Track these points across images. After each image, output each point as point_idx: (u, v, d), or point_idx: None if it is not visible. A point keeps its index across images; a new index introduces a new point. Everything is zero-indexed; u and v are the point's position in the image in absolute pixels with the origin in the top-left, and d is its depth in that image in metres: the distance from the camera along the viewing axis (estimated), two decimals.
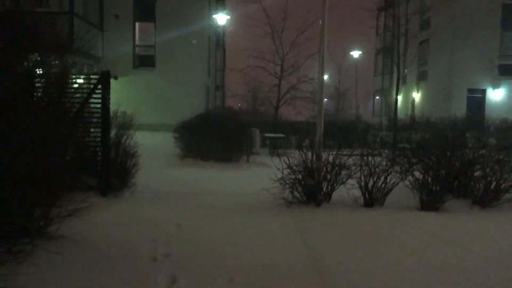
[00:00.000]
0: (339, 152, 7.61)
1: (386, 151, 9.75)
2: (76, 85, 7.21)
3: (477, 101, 25.45)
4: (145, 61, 22.50)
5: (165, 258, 4.65)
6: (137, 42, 22.69)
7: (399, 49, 14.81)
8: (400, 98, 28.58)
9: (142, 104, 20.51)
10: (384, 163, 7.51)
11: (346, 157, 7.56)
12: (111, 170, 7.33)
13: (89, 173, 7.11)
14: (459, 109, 23.97)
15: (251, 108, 34.15)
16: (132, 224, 5.87)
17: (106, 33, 21.00)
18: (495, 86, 25.53)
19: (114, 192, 7.30)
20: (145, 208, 6.84)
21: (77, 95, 7.08)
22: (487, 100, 25.59)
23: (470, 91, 25.51)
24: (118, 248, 4.82)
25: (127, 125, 7.75)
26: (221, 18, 22.19)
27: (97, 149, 7.30)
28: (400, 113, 20.12)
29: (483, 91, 25.68)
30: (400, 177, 7.54)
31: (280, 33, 20.40)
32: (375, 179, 7.35)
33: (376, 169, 7.36)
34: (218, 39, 29.09)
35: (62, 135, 5.43)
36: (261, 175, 9.69)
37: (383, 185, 7.38)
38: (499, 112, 22.51)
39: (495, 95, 25.64)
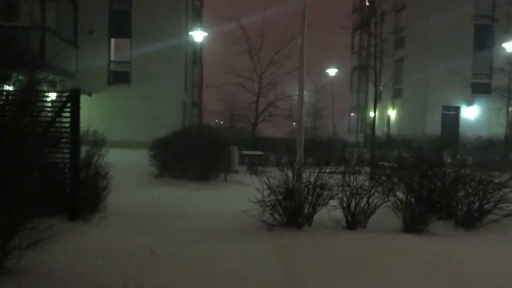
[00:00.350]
0: (320, 171, 7.36)
1: (367, 169, 9.59)
2: (43, 103, 6.79)
3: (452, 118, 25.84)
4: (120, 78, 22.06)
5: None
6: (112, 58, 22.28)
7: (377, 67, 14.79)
8: (375, 115, 28.82)
9: (117, 121, 20.15)
10: (366, 183, 7.30)
11: (327, 176, 7.30)
12: (80, 193, 6.89)
13: (56, 196, 6.65)
14: (434, 126, 24.26)
15: (228, 125, 33.88)
16: (101, 253, 5.45)
17: (80, 49, 20.53)
18: (469, 103, 25.99)
19: (83, 216, 6.86)
20: (116, 234, 6.42)
21: (45, 113, 6.66)
22: (461, 118, 26.02)
23: (445, 108, 25.92)
24: (84, 282, 4.42)
25: (98, 144, 7.34)
26: (198, 35, 21.99)
27: (66, 170, 6.86)
28: (376, 130, 20.18)
29: (457, 109, 26.12)
30: (383, 198, 7.33)
31: (258, 51, 20.31)
32: (357, 200, 7.13)
33: (359, 190, 7.14)
34: (195, 56, 28.87)
35: (25, 156, 5.03)
36: (240, 195, 9.40)
37: (365, 207, 7.16)
38: (473, 129, 22.85)
39: (469, 112, 26.08)
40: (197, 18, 29.45)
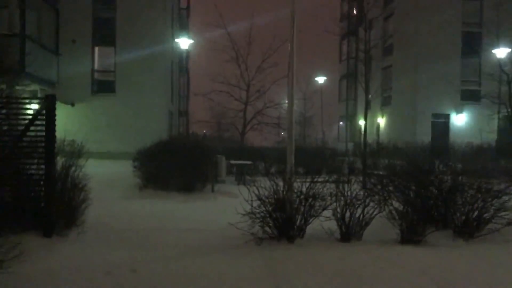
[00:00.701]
0: (311, 180, 6.98)
1: (359, 178, 9.25)
2: (16, 110, 6.35)
3: (442, 125, 25.73)
4: (104, 87, 21.54)
5: None
6: (96, 67, 21.75)
7: (367, 72, 14.58)
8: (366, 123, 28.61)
9: (101, 132, 19.64)
10: (361, 192, 6.94)
11: (319, 185, 6.91)
12: (56, 207, 6.40)
13: (30, 210, 6.18)
14: (424, 134, 24.10)
15: (216, 134, 33.43)
16: (76, 272, 4.99)
17: (63, 58, 20.01)
18: (458, 111, 25.93)
19: (59, 232, 6.37)
20: (94, 250, 5.96)
21: (19, 121, 6.22)
22: (451, 125, 25.93)
23: (434, 116, 25.81)
24: None
25: (76, 155, 6.88)
26: (184, 42, 21.62)
27: (41, 182, 6.38)
28: (367, 138, 19.98)
29: (447, 116, 26.03)
30: (378, 208, 6.97)
31: (246, 58, 20.01)
32: (352, 211, 6.76)
33: (353, 200, 6.78)
34: (181, 64, 28.45)
35: None
36: (228, 207, 9.01)
37: (360, 217, 6.79)
38: (463, 136, 22.73)
39: (458, 119, 26.01)
40: (184, 27, 29.08)
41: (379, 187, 7.48)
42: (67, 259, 5.49)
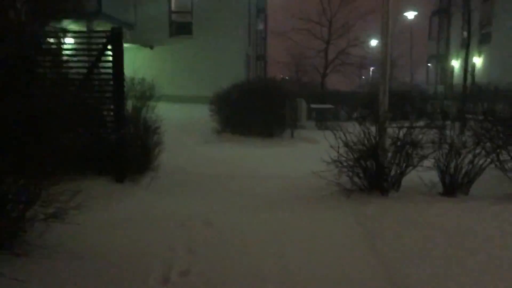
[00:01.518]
0: (407, 125, 6.01)
1: (458, 123, 8.08)
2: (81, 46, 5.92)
3: None
4: (181, 29, 21.08)
5: (182, 280, 3.31)
6: (173, 8, 21.27)
7: (468, 2, 12.68)
8: (458, 64, 26.01)
9: (179, 75, 19.45)
10: (470, 139, 5.87)
11: (417, 131, 5.93)
12: (128, 150, 6.03)
13: (102, 154, 5.84)
14: None
15: (295, 78, 32.20)
16: (146, 222, 4.58)
17: None
18: None
19: (132, 177, 6.02)
20: (168, 198, 5.54)
21: (83, 58, 5.79)
22: None
23: None
24: (118, 262, 3.52)
25: (148, 95, 6.40)
26: None
27: (110, 124, 6.00)
28: (460, 80, 17.90)
29: None
30: (490, 158, 5.88)
31: None
32: (458, 161, 5.72)
33: (460, 148, 5.73)
34: (259, 3, 27.17)
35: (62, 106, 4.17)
36: (308, 153, 8.45)
37: (469, 168, 5.74)
38: None
39: None
40: None
41: (488, 134, 6.33)
42: (138, 208, 5.11)
